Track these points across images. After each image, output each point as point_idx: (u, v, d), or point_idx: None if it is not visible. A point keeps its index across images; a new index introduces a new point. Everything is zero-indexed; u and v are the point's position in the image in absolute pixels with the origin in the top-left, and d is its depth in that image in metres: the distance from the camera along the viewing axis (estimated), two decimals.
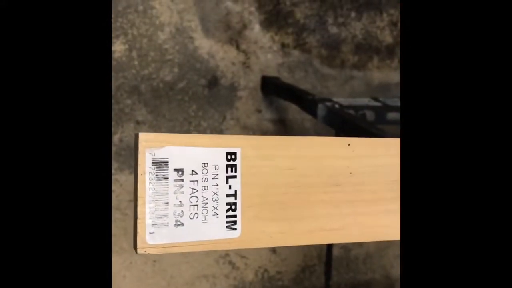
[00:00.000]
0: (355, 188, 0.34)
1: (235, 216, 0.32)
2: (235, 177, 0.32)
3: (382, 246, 1.10)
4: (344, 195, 0.34)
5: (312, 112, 0.83)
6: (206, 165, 0.32)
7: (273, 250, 1.02)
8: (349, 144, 0.34)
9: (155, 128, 0.94)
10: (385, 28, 1.09)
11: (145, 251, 0.30)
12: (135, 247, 0.31)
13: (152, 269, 0.95)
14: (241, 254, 1.00)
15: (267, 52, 1.01)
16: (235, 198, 0.32)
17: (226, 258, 0.99)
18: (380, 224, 0.34)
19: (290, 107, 1.01)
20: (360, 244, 1.08)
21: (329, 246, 0.87)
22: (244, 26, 0.99)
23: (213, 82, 0.97)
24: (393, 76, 1.10)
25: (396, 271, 1.11)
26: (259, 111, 1.01)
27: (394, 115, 0.87)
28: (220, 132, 0.98)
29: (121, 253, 0.91)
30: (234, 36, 0.99)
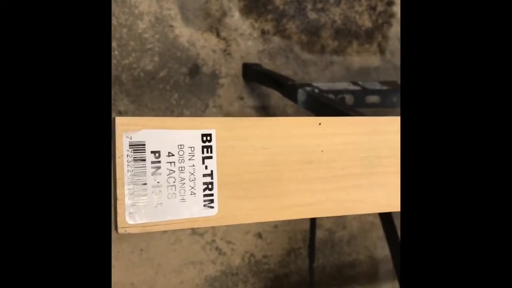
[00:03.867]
0: (326, 165, 0.35)
1: (212, 195, 0.34)
2: (211, 157, 0.34)
3: (366, 228, 1.12)
4: (316, 172, 0.35)
5: (293, 98, 0.84)
6: (182, 146, 0.33)
7: (259, 234, 1.04)
8: (320, 123, 0.35)
9: None
10: (363, 12, 1.10)
11: (125, 231, 0.32)
12: (115, 228, 0.32)
13: (139, 258, 0.96)
14: (227, 239, 1.01)
15: (247, 39, 1.01)
16: (212, 178, 0.34)
17: (213, 244, 1.00)
18: (352, 199, 0.36)
19: (272, 94, 1.02)
20: (343, 226, 1.11)
21: (313, 229, 0.89)
22: (224, 14, 1.00)
23: (194, 70, 0.98)
24: (373, 60, 1.12)
25: (380, 252, 1.14)
26: (242, 98, 1.02)
27: (373, 99, 0.88)
28: None
29: None
30: (214, 23, 0.99)
